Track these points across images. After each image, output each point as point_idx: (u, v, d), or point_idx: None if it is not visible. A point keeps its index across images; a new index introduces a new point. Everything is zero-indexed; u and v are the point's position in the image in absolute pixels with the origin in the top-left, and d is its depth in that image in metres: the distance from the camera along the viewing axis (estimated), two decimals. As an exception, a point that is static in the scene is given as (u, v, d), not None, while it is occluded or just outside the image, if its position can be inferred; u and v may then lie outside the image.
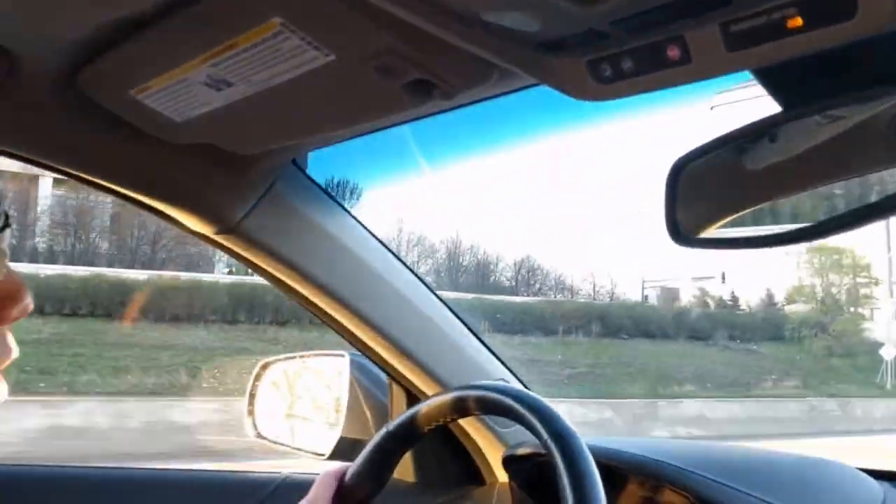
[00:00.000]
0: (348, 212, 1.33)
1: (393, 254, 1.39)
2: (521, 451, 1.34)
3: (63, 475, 1.47)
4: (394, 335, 1.39)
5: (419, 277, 1.43)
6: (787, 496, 1.17)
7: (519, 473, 1.39)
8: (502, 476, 1.50)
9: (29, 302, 0.65)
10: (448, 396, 1.08)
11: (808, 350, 31.04)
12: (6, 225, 0.63)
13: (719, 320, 30.09)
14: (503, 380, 1.45)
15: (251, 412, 1.69)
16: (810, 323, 33.65)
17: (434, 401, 1.10)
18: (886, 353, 27.68)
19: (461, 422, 1.49)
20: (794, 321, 34.36)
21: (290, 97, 0.93)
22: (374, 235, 1.37)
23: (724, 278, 33.68)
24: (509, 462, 1.39)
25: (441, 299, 1.44)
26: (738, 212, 0.79)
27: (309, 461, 1.63)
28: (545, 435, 0.95)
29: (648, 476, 1.21)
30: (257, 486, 1.48)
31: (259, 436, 1.70)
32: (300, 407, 1.71)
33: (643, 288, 37.49)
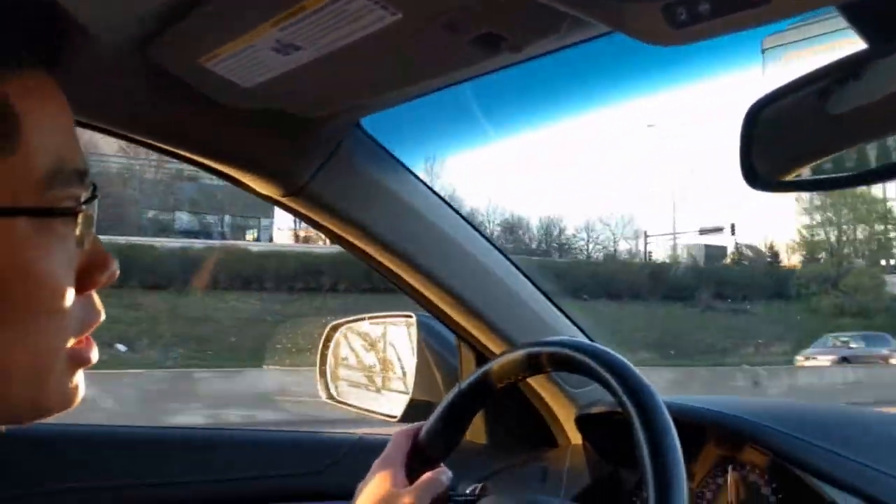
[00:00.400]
0: (412, 173, 1.33)
1: (458, 213, 1.39)
2: (596, 409, 1.33)
3: (140, 434, 1.51)
4: (462, 295, 1.39)
5: (486, 237, 1.42)
6: (879, 456, 1.12)
7: (593, 434, 1.38)
8: (575, 438, 1.50)
9: (115, 269, 0.67)
10: (520, 353, 1.08)
11: (815, 309, 29.44)
12: (94, 195, 0.65)
13: (707, 277, 28.87)
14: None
15: (322, 374, 1.72)
16: (819, 278, 31.80)
17: (506, 358, 1.10)
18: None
19: (533, 383, 1.50)
20: (802, 276, 32.66)
21: (357, 58, 0.93)
22: (438, 195, 1.37)
23: (733, 230, 32.22)
24: (583, 422, 1.38)
25: (508, 258, 1.43)
26: (820, 156, 0.77)
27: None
28: (621, 391, 0.93)
29: (729, 434, 1.19)
30: (332, 446, 1.50)
31: (330, 398, 1.72)
32: (369, 369, 1.73)
33: (646, 243, 36.34)
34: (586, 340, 1.33)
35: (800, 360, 21.80)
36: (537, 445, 1.56)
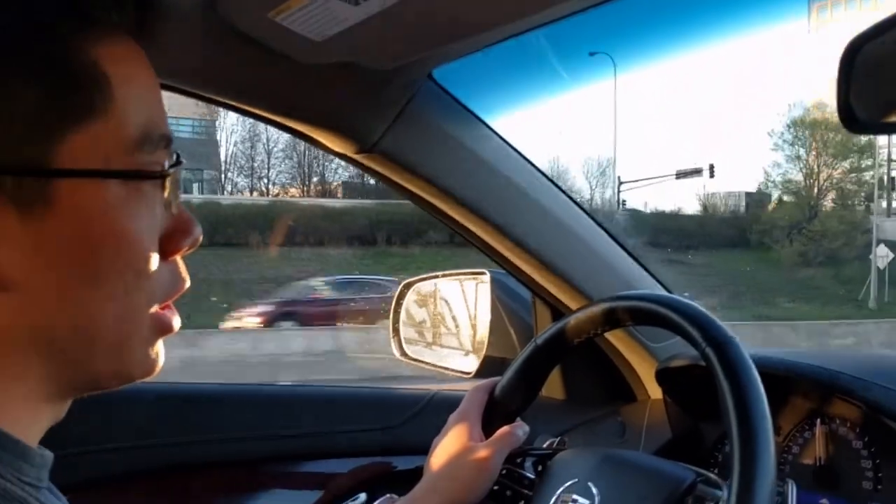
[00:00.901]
0: (486, 124, 1.31)
1: (534, 166, 1.36)
2: (676, 362, 1.31)
3: (221, 391, 1.55)
4: (538, 250, 1.37)
5: (562, 190, 1.40)
6: None
7: (674, 387, 1.37)
8: (654, 392, 1.49)
9: (199, 234, 0.69)
10: (597, 307, 1.07)
11: (775, 258, 27.55)
12: (178, 162, 0.67)
13: (651, 225, 27.21)
14: None
15: (396, 332, 1.73)
16: (783, 223, 29.48)
17: (583, 313, 1.09)
18: (879, 259, 24.55)
19: (611, 338, 1.48)
20: (765, 221, 30.48)
21: (428, 5, 0.92)
22: (513, 147, 1.34)
23: (712, 171, 30.68)
24: (663, 376, 1.37)
25: (586, 211, 1.41)
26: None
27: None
28: (702, 343, 0.92)
29: (817, 386, 1.16)
30: (409, 401, 1.52)
31: (404, 355, 1.73)
32: (443, 326, 1.74)
33: (618, 191, 35.02)
34: (666, 293, 1.30)
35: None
36: (616, 400, 1.55)
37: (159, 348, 0.68)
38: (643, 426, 1.42)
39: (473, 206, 1.32)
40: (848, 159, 33.24)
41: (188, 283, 0.69)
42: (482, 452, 1.09)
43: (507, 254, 1.40)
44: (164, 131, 0.65)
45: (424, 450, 1.15)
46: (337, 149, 1.26)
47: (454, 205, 1.32)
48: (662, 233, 27.26)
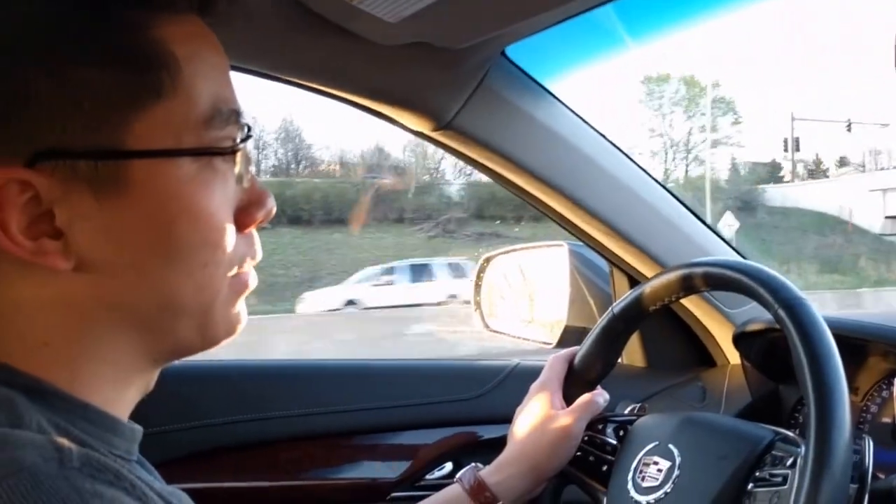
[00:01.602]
0: (558, 99, 1.33)
1: (604, 137, 1.38)
2: (752, 327, 1.31)
3: (306, 366, 1.59)
4: (613, 220, 1.39)
5: (634, 161, 1.41)
6: None
7: (751, 351, 1.37)
8: (733, 357, 1.49)
9: (272, 206, 0.70)
10: (672, 274, 1.08)
11: None
12: (249, 135, 0.68)
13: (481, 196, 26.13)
14: None
15: (478, 305, 1.75)
16: None
17: (658, 280, 1.10)
18: (727, 228, 23.27)
19: (688, 305, 1.49)
20: None
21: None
22: (584, 121, 1.36)
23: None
24: (740, 340, 1.37)
25: (658, 181, 1.42)
26: None
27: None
28: (775, 304, 0.93)
29: (892, 346, 1.15)
30: (490, 372, 1.54)
31: (487, 327, 1.76)
32: (522, 298, 1.76)
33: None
34: (738, 258, 1.31)
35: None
36: (696, 366, 1.56)
37: (240, 307, 0.70)
38: (723, 391, 1.43)
39: (548, 180, 1.34)
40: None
41: (261, 254, 0.71)
42: (565, 420, 1.11)
43: (582, 225, 1.42)
44: (233, 106, 0.66)
45: (507, 419, 1.18)
46: (414, 127, 1.29)
47: (529, 178, 1.34)
48: (492, 204, 26.58)
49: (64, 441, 0.53)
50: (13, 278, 0.60)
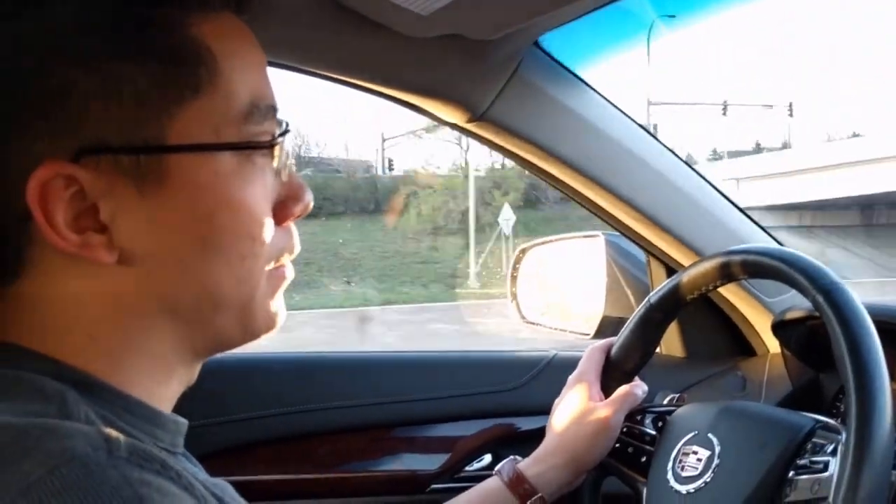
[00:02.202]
0: (592, 87, 1.32)
1: (641, 127, 1.37)
2: (791, 314, 1.30)
3: (347, 359, 1.60)
4: (649, 209, 1.38)
5: (669, 149, 1.40)
6: None
7: (791, 340, 1.36)
8: (774, 347, 1.48)
9: (310, 199, 0.71)
10: (710, 262, 1.08)
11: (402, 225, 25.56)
12: (286, 130, 0.69)
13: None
14: None
15: (514, 296, 1.75)
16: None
17: (696, 268, 1.10)
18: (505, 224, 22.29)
19: (727, 295, 1.48)
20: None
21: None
22: (619, 108, 1.35)
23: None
24: (780, 329, 1.36)
25: (694, 169, 1.41)
26: None
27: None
28: (814, 291, 0.92)
29: None
30: (528, 364, 1.55)
31: (523, 319, 1.76)
32: (560, 289, 1.76)
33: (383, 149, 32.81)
34: (775, 246, 1.30)
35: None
36: (735, 356, 1.55)
37: (279, 302, 0.71)
38: (763, 380, 1.42)
39: (583, 169, 1.34)
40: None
41: (299, 248, 0.72)
42: (603, 412, 1.11)
43: (618, 214, 1.41)
44: (271, 102, 0.67)
45: (546, 410, 1.18)
46: (448, 118, 1.29)
47: (564, 168, 1.34)
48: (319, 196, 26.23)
49: (111, 431, 0.55)
50: (60, 273, 0.62)
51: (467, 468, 1.46)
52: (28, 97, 0.59)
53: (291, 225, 0.72)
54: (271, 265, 0.69)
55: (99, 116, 0.59)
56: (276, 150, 0.68)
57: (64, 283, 0.62)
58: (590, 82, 1.32)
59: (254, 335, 0.70)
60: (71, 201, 0.60)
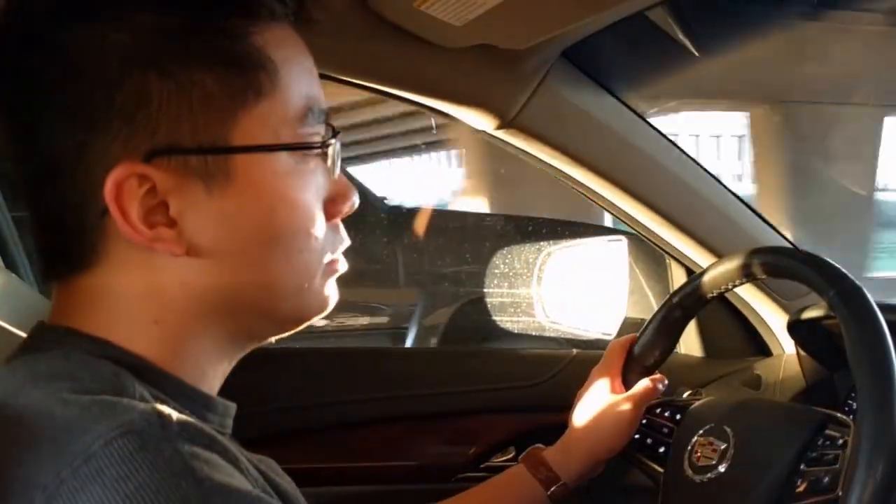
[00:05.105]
0: (616, 96, 1.36)
1: (662, 134, 1.41)
2: (807, 314, 1.32)
3: (383, 353, 1.64)
4: (670, 213, 1.42)
5: (690, 156, 1.44)
6: None
7: (806, 339, 1.39)
8: (789, 348, 1.51)
9: (356, 199, 0.76)
10: (731, 262, 1.09)
11: None
12: (336, 132, 0.74)
13: None
14: None
15: (539, 298, 1.79)
16: None
17: (717, 268, 1.12)
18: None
19: (745, 295, 1.51)
20: None
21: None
22: (640, 116, 1.39)
23: None
24: (795, 328, 1.38)
25: (711, 174, 1.45)
26: None
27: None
28: (829, 290, 0.93)
29: None
30: (550, 361, 1.58)
31: (548, 319, 1.80)
32: (583, 290, 1.79)
33: None
34: (791, 246, 1.32)
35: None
36: (751, 356, 1.58)
37: (331, 288, 0.75)
38: (778, 379, 1.44)
39: (608, 175, 1.38)
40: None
41: (348, 242, 0.76)
42: (624, 405, 1.13)
43: (640, 218, 1.45)
44: (323, 106, 0.71)
45: (567, 406, 1.20)
46: (478, 126, 1.33)
47: (590, 175, 1.38)
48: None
49: (165, 409, 0.58)
50: (132, 264, 0.66)
51: (493, 459, 1.51)
52: (111, 102, 0.63)
53: (340, 224, 0.76)
54: (327, 258, 0.73)
55: (172, 119, 0.63)
56: (329, 150, 0.72)
57: (135, 274, 0.66)
58: (614, 91, 1.37)
59: (306, 318, 0.74)
60: (144, 198, 0.63)
